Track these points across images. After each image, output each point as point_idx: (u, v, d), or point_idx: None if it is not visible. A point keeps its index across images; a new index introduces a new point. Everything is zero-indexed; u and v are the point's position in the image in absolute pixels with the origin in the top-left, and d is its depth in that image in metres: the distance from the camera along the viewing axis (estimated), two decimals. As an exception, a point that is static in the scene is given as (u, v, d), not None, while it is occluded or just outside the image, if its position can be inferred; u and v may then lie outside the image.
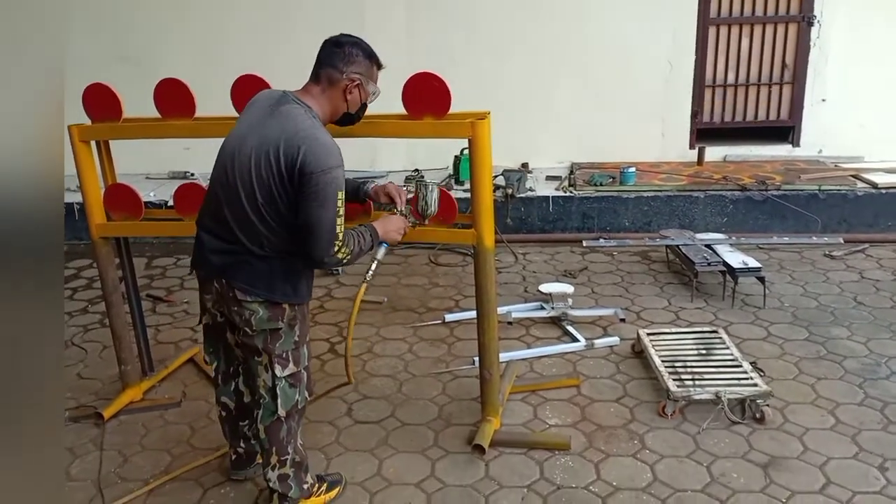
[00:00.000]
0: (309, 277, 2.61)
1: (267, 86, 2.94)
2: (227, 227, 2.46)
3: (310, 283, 2.63)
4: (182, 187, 3.24)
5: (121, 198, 3.28)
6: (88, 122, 3.20)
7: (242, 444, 2.90)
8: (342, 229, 2.39)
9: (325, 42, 2.51)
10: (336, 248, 2.38)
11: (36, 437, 1.44)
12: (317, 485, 2.78)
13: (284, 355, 2.56)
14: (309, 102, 2.46)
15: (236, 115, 3.03)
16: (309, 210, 2.33)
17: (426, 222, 2.92)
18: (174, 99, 3.06)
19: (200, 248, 2.58)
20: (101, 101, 3.12)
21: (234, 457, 2.94)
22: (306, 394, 2.67)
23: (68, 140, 3.22)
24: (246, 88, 2.95)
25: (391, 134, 3.04)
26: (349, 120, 2.61)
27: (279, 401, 2.56)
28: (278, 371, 2.55)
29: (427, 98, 2.82)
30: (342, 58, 2.46)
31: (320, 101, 2.47)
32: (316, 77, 2.48)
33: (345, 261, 2.46)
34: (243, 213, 2.41)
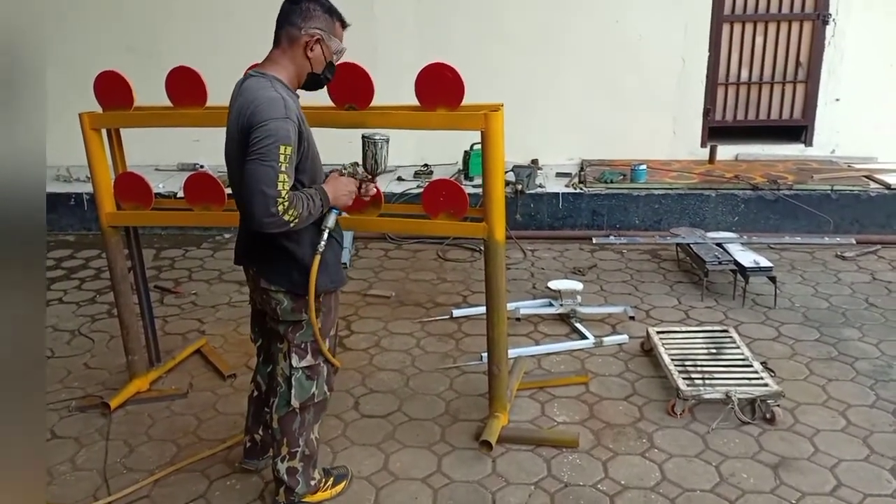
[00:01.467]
0: (335, 265, 2.55)
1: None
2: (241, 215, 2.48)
3: (336, 270, 2.56)
4: (192, 177, 3.22)
5: (131, 187, 3.27)
6: (100, 110, 3.19)
7: (260, 432, 2.88)
8: (286, 188, 2.20)
9: (284, 1, 2.41)
10: (280, 209, 2.19)
11: (15, 428, 1.44)
12: (323, 479, 2.76)
13: (303, 346, 2.54)
14: (270, 70, 2.37)
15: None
16: (247, 166, 2.19)
17: (376, 181, 2.71)
18: (186, 87, 3.04)
19: (238, 236, 2.63)
20: (112, 89, 3.11)
21: (248, 444, 2.93)
22: (325, 388, 2.63)
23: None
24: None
25: (403, 125, 3.01)
26: (316, 81, 2.48)
27: (293, 391, 2.55)
28: (294, 361, 2.53)
29: (440, 89, 2.80)
30: (299, 13, 2.36)
31: (283, 63, 2.39)
32: (277, 40, 2.40)
33: (292, 223, 2.25)
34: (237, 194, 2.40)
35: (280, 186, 2.19)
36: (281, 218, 2.21)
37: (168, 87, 3.07)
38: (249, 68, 2.46)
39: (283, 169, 2.19)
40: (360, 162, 2.69)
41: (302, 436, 2.62)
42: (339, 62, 2.57)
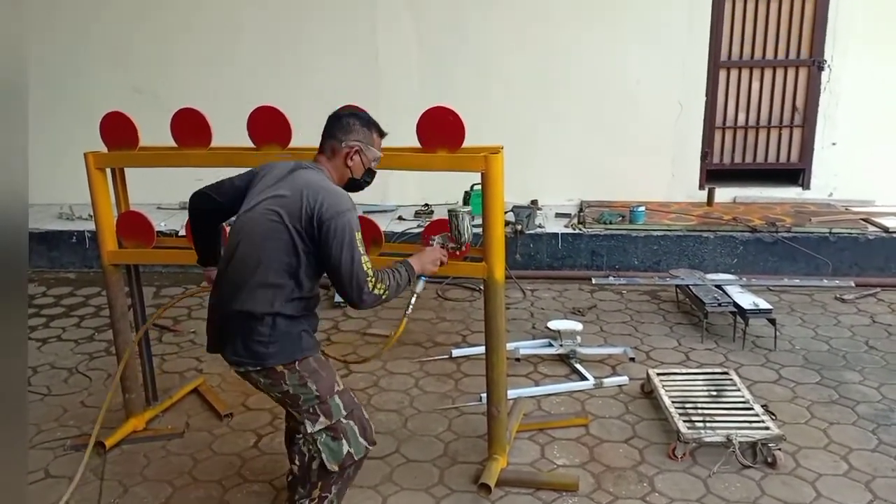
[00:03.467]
0: (308, 335, 2.53)
1: (283, 117, 2.98)
2: (225, 295, 2.49)
3: (307, 339, 2.53)
4: (194, 216, 3.25)
5: (133, 225, 3.30)
6: (105, 149, 3.23)
7: (297, 461, 2.63)
8: (370, 266, 2.45)
9: (329, 116, 2.68)
10: (370, 286, 2.43)
11: None
12: None
13: (311, 410, 2.49)
14: (321, 167, 2.62)
15: (251, 145, 3.07)
16: (333, 255, 2.41)
17: (463, 249, 2.92)
18: (191, 128, 3.09)
19: (211, 330, 2.61)
20: (118, 130, 3.16)
21: (290, 478, 2.68)
22: (363, 443, 2.55)
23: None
24: (263, 120, 2.99)
25: (406, 166, 3.05)
26: (356, 185, 2.72)
27: (324, 455, 2.49)
28: (309, 427, 2.49)
29: (441, 132, 2.85)
30: (340, 128, 2.62)
31: (327, 168, 2.62)
32: (321, 149, 2.66)
33: (384, 297, 2.49)
34: (245, 273, 2.44)
35: (366, 267, 2.43)
36: (373, 294, 2.45)
37: (173, 128, 3.12)
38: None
39: (363, 251, 2.44)
40: (447, 234, 2.93)
41: (336, 485, 2.56)
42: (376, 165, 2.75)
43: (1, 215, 1.43)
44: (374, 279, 2.44)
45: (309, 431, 2.48)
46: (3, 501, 1.48)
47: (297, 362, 2.46)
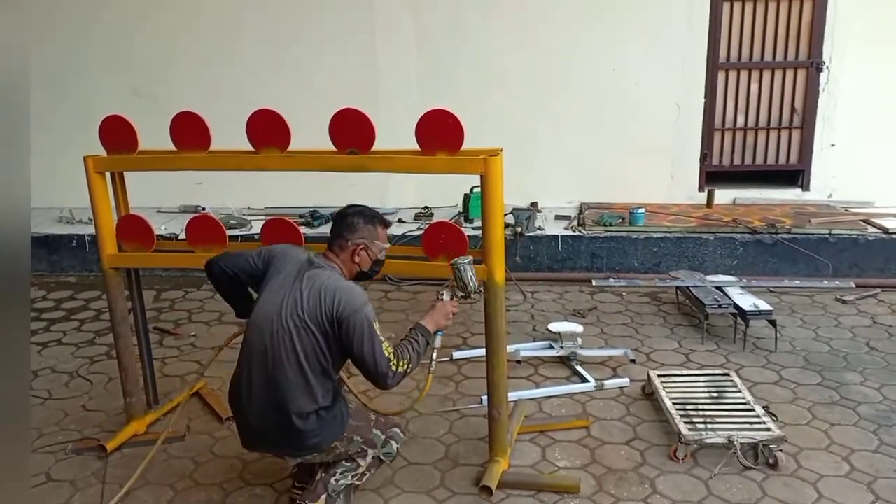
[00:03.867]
0: (343, 407, 2.76)
1: (282, 121, 2.98)
2: (261, 398, 2.65)
3: (345, 412, 2.76)
4: (194, 219, 3.26)
5: (133, 229, 3.30)
6: (104, 153, 3.23)
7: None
8: (390, 349, 2.62)
9: (335, 215, 2.88)
10: (394, 368, 2.61)
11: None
12: None
13: (360, 451, 2.78)
14: (331, 265, 2.78)
15: (251, 148, 3.07)
16: (356, 348, 2.59)
17: (472, 297, 2.94)
18: (190, 132, 3.09)
19: (246, 431, 2.78)
20: (117, 133, 3.16)
21: (295, 468, 2.98)
22: (394, 446, 2.87)
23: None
24: (261, 123, 3.00)
25: (405, 169, 3.06)
26: (365, 276, 2.89)
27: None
28: (361, 461, 2.80)
29: (441, 134, 2.85)
30: (346, 227, 2.80)
31: (338, 264, 2.80)
32: (330, 246, 2.84)
33: (408, 370, 2.67)
34: (283, 375, 2.60)
35: (387, 353, 2.60)
36: (397, 372, 2.62)
37: (172, 132, 3.12)
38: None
39: (382, 339, 2.61)
40: (451, 285, 2.95)
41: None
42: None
43: (4, 223, 1.43)
44: (395, 360, 2.62)
45: (364, 468, 2.81)
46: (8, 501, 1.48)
47: (344, 433, 2.73)
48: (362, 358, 2.60)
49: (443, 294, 2.93)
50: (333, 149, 3.00)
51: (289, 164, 3.05)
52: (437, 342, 2.90)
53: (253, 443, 2.79)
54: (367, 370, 2.63)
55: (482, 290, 2.95)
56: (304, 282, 2.66)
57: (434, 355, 2.91)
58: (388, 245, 2.90)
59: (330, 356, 2.64)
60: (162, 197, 6.44)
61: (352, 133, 2.92)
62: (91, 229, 5.96)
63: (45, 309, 5.29)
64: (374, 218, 2.84)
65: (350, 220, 2.80)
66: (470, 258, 2.88)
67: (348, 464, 2.78)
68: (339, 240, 2.80)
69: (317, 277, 2.67)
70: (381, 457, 2.83)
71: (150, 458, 3.14)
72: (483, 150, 2.90)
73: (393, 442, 2.85)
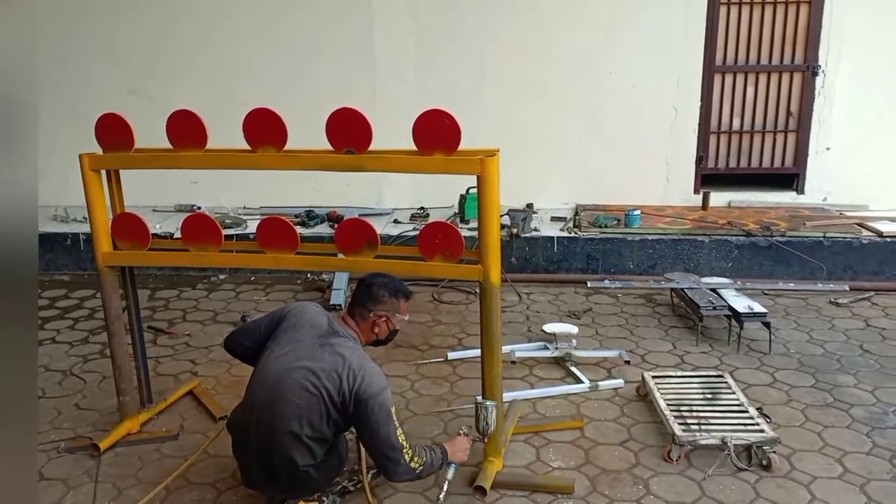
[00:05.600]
0: (341, 454, 2.83)
1: (279, 120, 2.97)
2: (266, 446, 2.67)
3: (343, 457, 2.85)
4: (189, 218, 3.25)
5: (128, 227, 3.29)
6: (100, 151, 3.22)
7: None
8: (405, 439, 2.65)
9: (359, 282, 2.94)
10: (407, 458, 2.64)
11: (6, 462, 1.43)
12: None
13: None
14: (351, 333, 2.82)
15: (247, 147, 3.07)
16: (371, 430, 2.62)
17: (486, 440, 2.99)
18: (187, 130, 3.08)
19: (245, 473, 2.85)
20: (113, 131, 3.15)
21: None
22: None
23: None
24: (258, 122, 2.99)
25: (401, 168, 3.06)
26: (380, 343, 2.96)
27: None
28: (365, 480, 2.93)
29: (437, 135, 2.85)
30: (370, 298, 2.85)
31: (355, 330, 2.85)
32: (351, 312, 2.89)
33: (418, 470, 2.69)
34: (284, 432, 2.62)
35: (402, 440, 2.63)
36: (409, 465, 2.65)
37: (169, 130, 3.11)
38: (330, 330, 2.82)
39: (398, 425, 2.64)
40: (473, 424, 3.00)
41: None
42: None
43: (13, 222, 1.43)
44: (409, 451, 2.65)
45: (365, 480, 2.90)
46: (16, 500, 1.47)
47: (344, 468, 2.86)
48: (375, 441, 2.62)
49: (462, 430, 3.03)
50: (330, 148, 2.99)
51: (285, 164, 3.05)
52: (450, 474, 2.91)
53: (252, 485, 2.86)
54: (378, 453, 2.65)
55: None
56: (325, 349, 2.68)
57: (445, 486, 2.89)
58: (407, 317, 2.97)
59: (334, 428, 2.68)
60: (157, 196, 6.43)
61: (348, 132, 2.92)
62: (85, 228, 5.93)
63: (40, 307, 5.27)
64: (399, 292, 2.90)
65: (375, 291, 2.85)
66: (495, 402, 2.93)
67: (352, 477, 2.88)
68: (362, 309, 2.85)
69: (340, 348, 2.69)
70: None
71: (191, 461, 3.13)
72: (480, 150, 2.90)
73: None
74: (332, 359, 2.64)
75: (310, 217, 6.09)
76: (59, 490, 3.10)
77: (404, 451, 2.62)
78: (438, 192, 6.36)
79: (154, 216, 6.24)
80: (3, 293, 1.42)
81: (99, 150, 3.23)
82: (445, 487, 2.88)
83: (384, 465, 2.66)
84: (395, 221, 6.17)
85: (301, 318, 2.80)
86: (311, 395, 2.60)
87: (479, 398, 2.97)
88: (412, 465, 2.65)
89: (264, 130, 3.00)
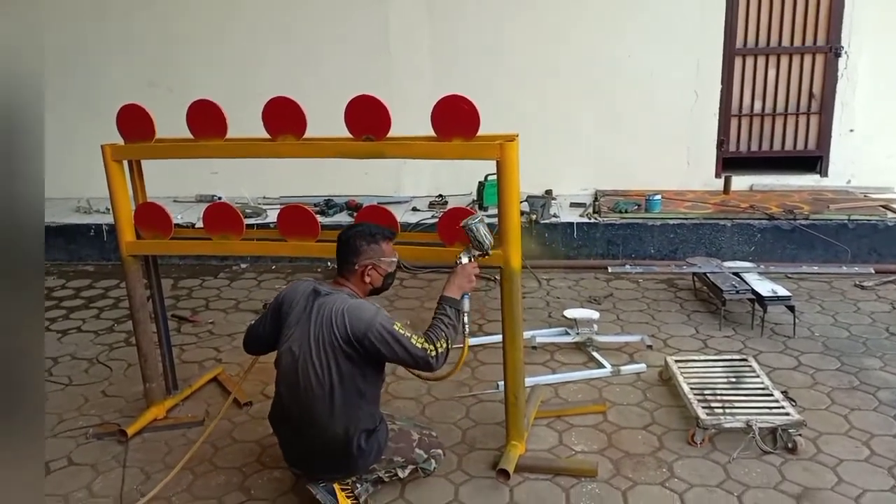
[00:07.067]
0: (383, 432, 2.82)
1: (298, 108, 2.98)
2: (302, 425, 2.71)
3: (384, 436, 2.82)
4: (211, 207, 3.27)
5: (151, 216, 3.32)
6: (122, 142, 3.25)
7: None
8: (420, 339, 2.66)
9: (337, 240, 2.87)
10: (433, 353, 2.66)
11: (15, 443, 1.45)
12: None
13: (402, 466, 2.89)
14: (342, 289, 2.80)
15: (267, 136, 3.08)
16: (389, 356, 2.65)
17: (489, 253, 2.92)
18: (207, 120, 3.10)
19: (287, 452, 2.88)
20: (134, 122, 3.18)
21: None
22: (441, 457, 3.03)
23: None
24: (277, 110, 3.00)
25: (421, 155, 3.04)
26: (381, 290, 2.92)
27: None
28: (401, 473, 2.90)
29: (456, 120, 2.84)
30: (349, 251, 2.81)
31: (349, 286, 2.83)
32: (340, 272, 2.86)
33: (448, 347, 2.72)
34: (315, 407, 2.66)
35: (419, 344, 2.64)
36: (437, 358, 2.67)
37: (189, 120, 3.13)
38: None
39: (408, 334, 2.64)
40: (467, 246, 2.94)
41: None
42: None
43: (19, 215, 1.45)
44: (431, 346, 2.66)
45: (401, 476, 2.89)
46: (23, 488, 1.49)
47: (382, 456, 2.81)
48: (399, 359, 2.66)
49: (461, 257, 2.92)
50: (349, 136, 3.00)
51: (305, 151, 3.06)
52: (466, 305, 2.88)
53: (295, 465, 2.89)
54: (409, 365, 2.70)
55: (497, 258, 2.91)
56: (313, 313, 2.70)
57: (466, 319, 2.89)
58: (395, 257, 2.90)
59: (360, 376, 2.68)
60: (178, 187, 6.49)
61: (367, 120, 2.91)
62: (108, 219, 6.02)
63: (65, 297, 5.35)
64: (376, 235, 2.85)
65: (353, 242, 2.81)
66: (480, 215, 2.87)
67: (389, 468, 2.87)
68: (346, 264, 2.83)
69: (325, 306, 2.69)
70: (420, 468, 2.92)
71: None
72: (499, 135, 2.89)
73: (433, 461, 2.95)
74: (321, 318, 2.66)
75: (329, 206, 6.11)
76: (88, 475, 3.15)
77: (428, 352, 2.64)
78: (457, 180, 6.37)
79: (175, 207, 6.30)
80: (10, 283, 1.44)
81: (121, 141, 3.26)
82: (467, 320, 2.90)
83: (420, 371, 2.73)
84: (414, 209, 6.18)
85: (294, 297, 2.81)
86: (321, 360, 2.63)
87: (464, 221, 2.85)
88: (441, 351, 2.68)
89: (283, 119, 3.01)
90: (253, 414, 3.60)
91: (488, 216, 2.94)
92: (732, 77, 6.34)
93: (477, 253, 2.90)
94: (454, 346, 2.78)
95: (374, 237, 2.83)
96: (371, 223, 2.94)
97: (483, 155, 2.87)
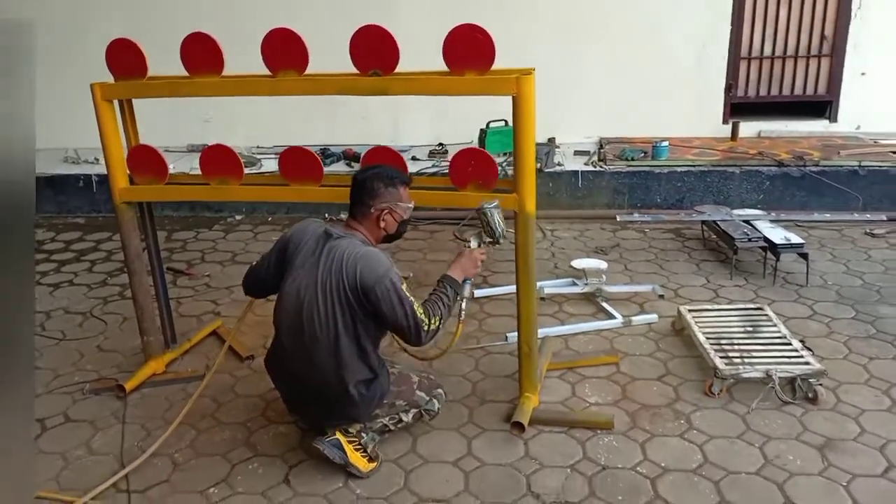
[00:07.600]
0: (384, 379, 2.72)
1: (299, 40, 2.79)
2: (303, 368, 2.62)
3: (385, 382, 2.73)
4: (208, 149, 3.10)
5: (145, 160, 3.14)
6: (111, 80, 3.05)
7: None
8: (420, 309, 2.57)
9: (352, 180, 2.72)
10: (426, 327, 2.58)
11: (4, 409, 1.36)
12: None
13: (405, 409, 2.80)
14: (354, 233, 2.68)
15: (267, 72, 2.89)
16: (387, 315, 2.54)
17: (500, 242, 2.82)
18: (202, 55, 2.90)
19: (285, 398, 2.84)
20: (125, 58, 2.98)
21: None
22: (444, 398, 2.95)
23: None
24: (277, 43, 2.80)
25: (430, 91, 2.86)
26: (393, 238, 2.81)
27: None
28: (405, 418, 2.81)
29: (470, 52, 2.66)
30: (366, 192, 2.67)
31: (361, 231, 2.70)
32: (353, 214, 2.72)
33: (441, 325, 2.64)
34: (317, 350, 2.57)
35: (418, 313, 2.56)
36: (430, 330, 2.59)
37: (183, 55, 2.93)
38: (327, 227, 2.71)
39: (411, 299, 2.56)
40: (478, 231, 2.83)
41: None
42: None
43: (9, 166, 1.32)
44: (427, 319, 2.58)
45: (406, 420, 2.80)
46: (13, 446, 1.40)
47: (384, 401, 2.72)
48: (395, 322, 2.56)
49: (469, 241, 2.82)
50: (353, 70, 2.81)
51: (307, 88, 2.86)
52: (467, 291, 2.80)
53: (293, 409, 2.85)
54: (402, 332, 2.61)
55: (509, 234, 2.81)
56: (323, 256, 2.58)
57: (464, 304, 2.80)
58: (412, 204, 2.76)
59: (362, 327, 2.58)
60: (168, 136, 6.21)
61: (374, 53, 2.73)
62: (98, 169, 5.83)
63: (55, 250, 5.18)
64: (394, 178, 2.70)
65: (370, 184, 2.66)
66: (496, 202, 2.73)
67: (392, 414, 2.78)
68: (361, 206, 2.68)
69: (336, 250, 2.58)
70: (423, 411, 2.83)
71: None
72: (514, 69, 2.71)
73: (435, 400, 2.85)
74: (331, 262, 2.55)
75: (325, 155, 5.92)
76: (86, 431, 3.04)
77: (423, 322, 2.56)
78: (457, 128, 6.15)
79: (167, 156, 6.06)
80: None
81: (111, 80, 3.06)
82: (465, 305, 2.81)
83: (408, 341, 2.64)
84: (413, 158, 5.99)
85: (303, 237, 2.69)
86: (326, 304, 2.54)
87: (480, 204, 2.73)
88: (433, 327, 2.60)
89: (284, 53, 2.81)
90: (255, 368, 3.49)
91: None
92: (742, 18, 6.11)
93: (488, 240, 2.80)
94: (445, 329, 2.70)
95: (392, 181, 2.69)
96: (388, 166, 2.79)
97: (498, 90, 2.69)
